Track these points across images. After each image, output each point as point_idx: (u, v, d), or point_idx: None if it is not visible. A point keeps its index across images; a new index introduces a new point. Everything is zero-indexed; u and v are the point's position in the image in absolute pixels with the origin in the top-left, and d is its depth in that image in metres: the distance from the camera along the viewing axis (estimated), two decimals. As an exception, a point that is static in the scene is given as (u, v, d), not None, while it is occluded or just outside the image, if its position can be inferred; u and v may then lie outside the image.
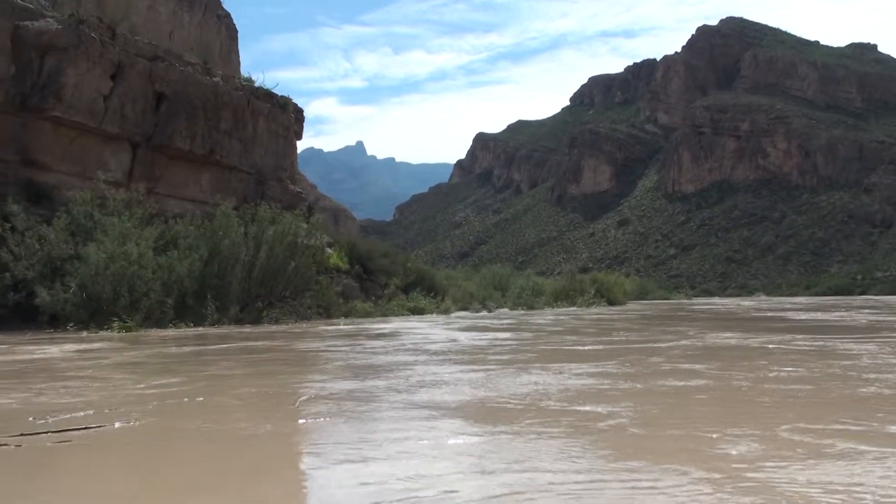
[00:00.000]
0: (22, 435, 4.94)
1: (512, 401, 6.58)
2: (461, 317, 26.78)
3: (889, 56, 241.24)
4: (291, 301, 21.30)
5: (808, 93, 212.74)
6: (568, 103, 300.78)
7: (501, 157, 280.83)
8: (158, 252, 19.50)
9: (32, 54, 22.54)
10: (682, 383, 7.71)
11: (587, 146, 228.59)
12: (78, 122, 22.96)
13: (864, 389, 7.06)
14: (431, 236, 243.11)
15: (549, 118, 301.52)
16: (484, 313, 29.93)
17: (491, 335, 17.13)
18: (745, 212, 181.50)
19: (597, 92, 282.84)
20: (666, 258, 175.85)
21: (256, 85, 28.18)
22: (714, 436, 4.87)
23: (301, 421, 5.71)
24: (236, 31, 57.68)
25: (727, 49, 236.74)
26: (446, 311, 28.57)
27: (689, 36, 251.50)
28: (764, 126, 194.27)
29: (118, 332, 15.87)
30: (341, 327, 19.57)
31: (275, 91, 28.69)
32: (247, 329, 18.50)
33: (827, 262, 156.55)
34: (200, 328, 18.11)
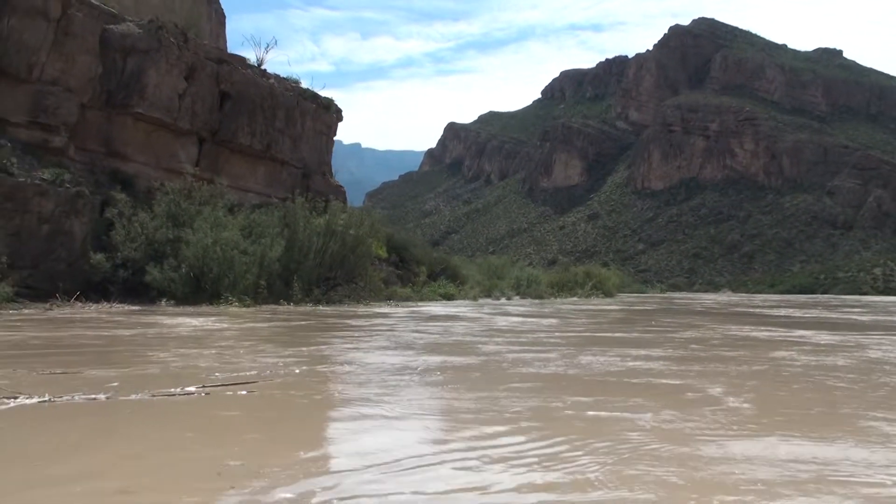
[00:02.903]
0: (204, 387, 6.34)
1: (609, 377, 7.76)
2: (488, 303, 29.54)
3: (853, 62, 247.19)
4: (351, 285, 24.03)
5: (775, 95, 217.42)
6: (539, 96, 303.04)
7: (472, 148, 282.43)
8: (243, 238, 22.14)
9: (116, 55, 25.01)
10: (739, 368, 8.85)
11: (559, 140, 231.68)
12: (156, 118, 25.50)
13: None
14: (401, 224, 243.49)
15: (520, 110, 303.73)
16: (503, 300, 32.80)
17: (530, 320, 19.61)
18: (712, 210, 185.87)
19: (568, 86, 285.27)
20: (634, 253, 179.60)
21: (304, 87, 30.74)
22: (842, 412, 5.79)
23: (425, 388, 6.77)
24: (224, 16, 59.35)
25: (698, 49, 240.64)
26: (474, 298, 31.40)
27: (661, 34, 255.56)
28: (732, 127, 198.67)
29: (238, 307, 18.56)
30: (398, 309, 22.18)
31: (319, 92, 31.24)
32: (325, 308, 20.99)
33: (790, 261, 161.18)
34: (286, 306, 20.67)
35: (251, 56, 29.68)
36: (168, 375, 7.17)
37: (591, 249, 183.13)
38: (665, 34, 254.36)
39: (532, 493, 3.47)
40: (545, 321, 19.58)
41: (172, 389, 6.16)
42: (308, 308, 20.56)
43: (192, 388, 6.19)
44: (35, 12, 22.66)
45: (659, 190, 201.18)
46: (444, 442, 4.67)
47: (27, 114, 22.54)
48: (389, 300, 26.14)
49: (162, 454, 4.18)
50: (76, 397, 5.68)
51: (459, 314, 21.20)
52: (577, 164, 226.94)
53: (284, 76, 30.46)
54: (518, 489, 3.54)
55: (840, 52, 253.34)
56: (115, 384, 6.42)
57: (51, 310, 16.42)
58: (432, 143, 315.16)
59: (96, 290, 20.35)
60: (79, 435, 4.68)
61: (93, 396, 5.73)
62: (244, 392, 6.32)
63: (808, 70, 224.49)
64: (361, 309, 21.62)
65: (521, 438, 4.73)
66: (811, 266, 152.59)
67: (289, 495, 3.37)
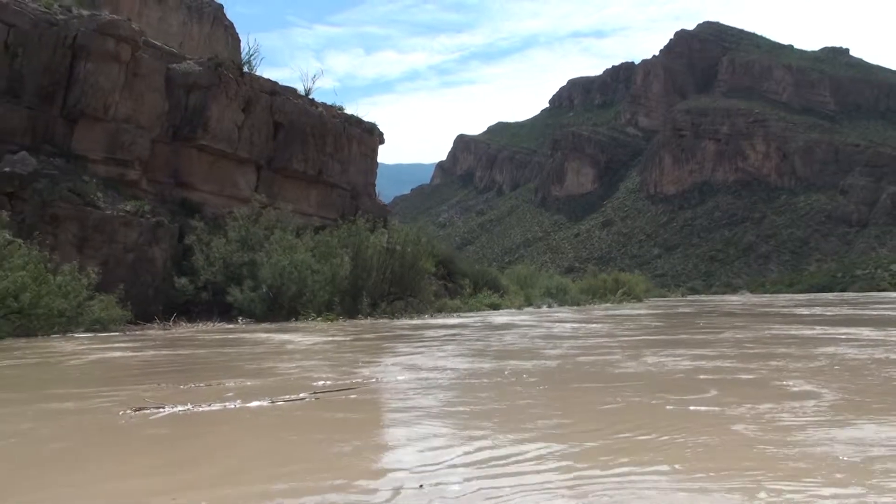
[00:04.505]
0: (313, 394, 7.23)
1: (685, 374, 8.37)
2: (532, 311, 31.11)
3: (861, 60, 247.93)
4: (410, 298, 25.67)
5: (783, 96, 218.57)
6: (547, 105, 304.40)
7: (483, 159, 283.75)
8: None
9: (180, 92, 26.77)
10: (801, 364, 9.37)
11: (570, 149, 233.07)
12: (219, 149, 27.23)
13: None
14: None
15: (528, 120, 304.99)
16: (544, 308, 34.38)
17: (580, 326, 20.63)
18: (725, 212, 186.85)
19: (576, 94, 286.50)
20: (650, 258, 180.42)
21: (348, 113, 32.49)
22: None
23: (525, 389, 7.46)
24: (239, 41, 61.11)
25: (705, 53, 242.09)
26: (519, 307, 33.01)
27: (664, 38, 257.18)
28: (743, 129, 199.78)
29: (321, 322, 20.20)
30: (456, 320, 23.56)
31: (363, 118, 33.00)
32: (396, 321, 22.32)
33: (806, 260, 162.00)
34: (364, 320, 22.14)
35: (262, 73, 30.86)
36: (286, 384, 8.12)
37: (607, 256, 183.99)
38: (671, 39, 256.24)
39: (663, 476, 4.02)
40: (593, 326, 20.56)
41: (287, 396, 6.98)
42: (381, 321, 21.99)
43: (304, 395, 6.99)
44: (109, 56, 24.44)
45: (672, 194, 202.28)
46: (563, 434, 5.15)
47: (105, 150, 24.31)
48: (441, 311, 27.69)
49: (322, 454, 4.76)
50: (213, 405, 6.47)
51: (513, 322, 22.49)
52: (588, 171, 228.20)
53: (330, 104, 32.22)
54: (650, 471, 4.09)
55: (846, 50, 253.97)
56: (249, 392, 7.30)
57: (167, 329, 18.08)
58: (440, 155, 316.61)
59: (180, 311, 22.02)
60: (242, 438, 5.47)
61: (228, 405, 6.53)
62: (354, 396, 7.15)
63: (816, 70, 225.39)
64: (424, 320, 23.04)
65: (642, 430, 5.22)
66: (828, 265, 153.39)
67: (455, 487, 3.83)
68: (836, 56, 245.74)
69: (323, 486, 3.90)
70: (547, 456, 4.51)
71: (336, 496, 3.74)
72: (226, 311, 22.15)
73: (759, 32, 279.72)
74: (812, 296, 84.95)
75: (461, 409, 6.50)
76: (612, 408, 6.32)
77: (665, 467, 4.17)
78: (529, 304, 35.60)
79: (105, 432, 5.55)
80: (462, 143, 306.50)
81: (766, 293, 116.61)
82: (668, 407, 6.17)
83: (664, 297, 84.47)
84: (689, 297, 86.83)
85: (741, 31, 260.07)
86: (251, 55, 28.47)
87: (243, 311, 21.70)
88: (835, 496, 3.58)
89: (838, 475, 3.96)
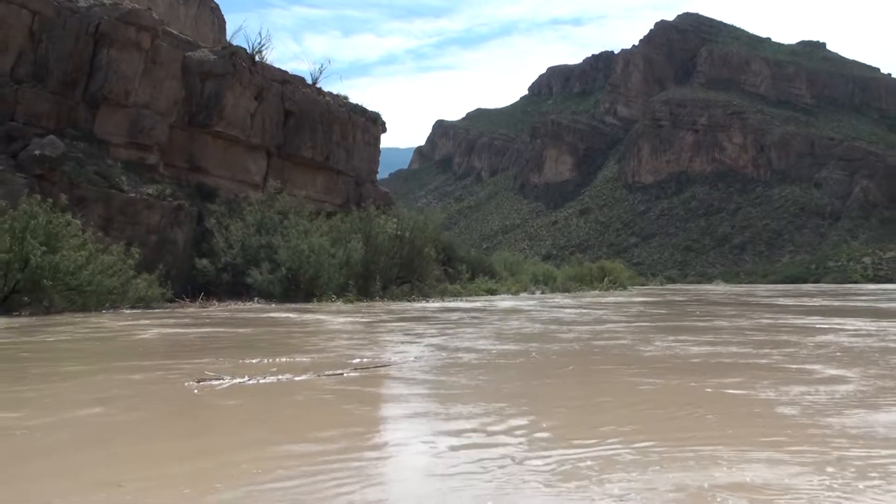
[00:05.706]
0: (354, 369, 7.86)
1: (705, 359, 8.75)
2: (528, 297, 32.27)
3: (837, 54, 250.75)
4: (416, 283, 26.82)
5: (760, 88, 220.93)
6: (526, 92, 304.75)
7: (462, 145, 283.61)
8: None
9: (196, 80, 27.66)
10: (808, 351, 9.77)
11: (549, 136, 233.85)
12: (232, 136, 28.18)
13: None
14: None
15: (507, 107, 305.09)
16: (538, 294, 35.64)
17: (581, 311, 21.58)
18: (702, 203, 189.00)
19: (555, 82, 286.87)
20: (627, 246, 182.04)
21: (353, 102, 33.51)
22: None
23: (561, 370, 8.09)
24: (225, 22, 61.55)
25: (684, 44, 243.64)
26: (515, 292, 34.23)
27: (641, 27, 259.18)
28: (721, 121, 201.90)
29: (343, 303, 21.28)
30: (464, 304, 24.50)
31: (366, 107, 34.03)
32: (410, 304, 23.16)
33: (780, 252, 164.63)
34: (381, 302, 23.12)
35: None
36: (334, 359, 8.76)
37: (584, 244, 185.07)
38: (651, 30, 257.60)
39: (733, 451, 4.21)
40: (594, 312, 21.40)
41: (331, 371, 7.57)
42: (395, 303, 22.95)
43: (343, 370, 7.65)
44: (130, 44, 25.31)
45: (649, 184, 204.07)
46: (619, 414, 5.48)
47: (126, 135, 25.21)
48: (444, 295, 28.77)
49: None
50: (268, 378, 7.00)
51: (519, 308, 23.32)
52: (567, 159, 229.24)
53: (335, 93, 33.24)
54: (718, 445, 4.30)
55: (823, 44, 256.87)
56: (300, 366, 7.88)
57: (204, 307, 19.12)
58: (417, 140, 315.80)
59: (200, 291, 23.00)
60: (299, 407, 5.92)
61: (281, 377, 7.07)
62: (396, 373, 7.72)
63: (793, 63, 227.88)
64: (436, 304, 23.94)
65: (694, 411, 5.48)
66: (801, 256, 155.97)
67: (537, 462, 4.03)
68: (812, 50, 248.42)
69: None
70: (616, 433, 4.72)
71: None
72: (244, 292, 23.17)
73: (737, 24, 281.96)
74: (790, 286, 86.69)
75: (502, 387, 6.88)
76: (652, 389, 6.61)
77: (732, 443, 4.44)
78: (524, 290, 36.89)
79: (178, 401, 6.10)
80: (441, 128, 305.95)
81: (740, 283, 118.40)
82: (707, 389, 6.44)
83: (645, 285, 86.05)
84: (670, 286, 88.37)
85: (720, 23, 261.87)
86: (262, 45, 29.36)
87: (262, 292, 22.71)
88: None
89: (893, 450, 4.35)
